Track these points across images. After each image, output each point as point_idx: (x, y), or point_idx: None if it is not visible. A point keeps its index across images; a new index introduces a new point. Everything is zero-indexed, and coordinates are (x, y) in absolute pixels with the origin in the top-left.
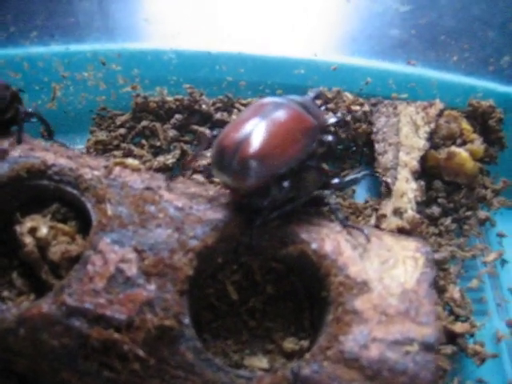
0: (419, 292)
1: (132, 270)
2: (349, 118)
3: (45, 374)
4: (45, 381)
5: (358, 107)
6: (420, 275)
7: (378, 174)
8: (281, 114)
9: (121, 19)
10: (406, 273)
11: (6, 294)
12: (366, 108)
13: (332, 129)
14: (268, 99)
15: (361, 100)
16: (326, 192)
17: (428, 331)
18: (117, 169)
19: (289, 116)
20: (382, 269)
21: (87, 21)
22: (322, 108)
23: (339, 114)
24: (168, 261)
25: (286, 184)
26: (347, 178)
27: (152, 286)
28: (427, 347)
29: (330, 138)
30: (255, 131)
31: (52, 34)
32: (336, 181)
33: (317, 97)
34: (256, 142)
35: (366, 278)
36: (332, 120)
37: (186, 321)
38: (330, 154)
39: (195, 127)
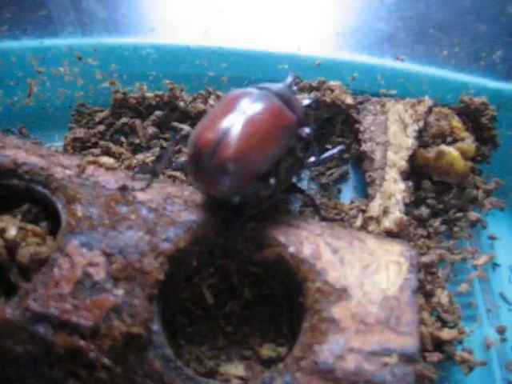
0: (401, 299)
1: (100, 274)
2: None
3: (12, 378)
4: None
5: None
6: (403, 281)
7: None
8: (259, 111)
9: (95, 13)
10: (389, 279)
11: None
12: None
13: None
14: (242, 91)
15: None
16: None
17: (408, 341)
18: (90, 168)
19: (268, 113)
20: (364, 274)
21: (60, 14)
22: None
23: (312, 95)
24: (137, 265)
25: (272, 181)
26: (323, 156)
27: (120, 291)
28: (407, 359)
29: (307, 130)
30: (233, 131)
31: (24, 28)
32: (312, 159)
33: (292, 82)
34: (234, 143)
35: (346, 284)
36: (306, 102)
37: (155, 327)
38: (308, 146)
39: (175, 124)
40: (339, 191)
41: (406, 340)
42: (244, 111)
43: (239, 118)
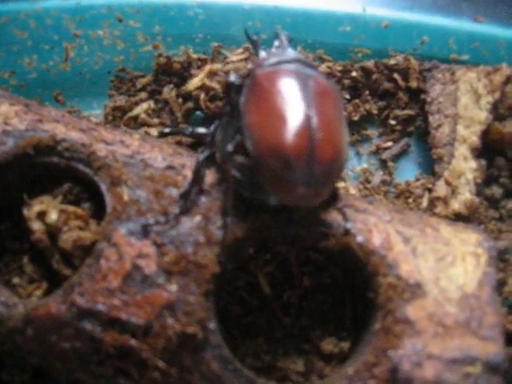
0: (481, 297)
1: (151, 267)
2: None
3: (59, 370)
4: (60, 377)
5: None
6: (482, 276)
7: None
8: (323, 90)
9: None
10: (466, 273)
11: (16, 280)
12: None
13: None
14: (287, 70)
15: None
16: None
17: (493, 348)
18: (135, 144)
19: (330, 87)
20: (438, 267)
21: None
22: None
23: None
24: (192, 257)
25: None
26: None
27: (173, 287)
28: (492, 369)
29: None
30: (319, 124)
31: None
32: None
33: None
34: (331, 138)
35: (420, 278)
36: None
37: (212, 326)
38: None
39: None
40: (401, 167)
41: (490, 346)
42: (311, 97)
43: (316, 106)
